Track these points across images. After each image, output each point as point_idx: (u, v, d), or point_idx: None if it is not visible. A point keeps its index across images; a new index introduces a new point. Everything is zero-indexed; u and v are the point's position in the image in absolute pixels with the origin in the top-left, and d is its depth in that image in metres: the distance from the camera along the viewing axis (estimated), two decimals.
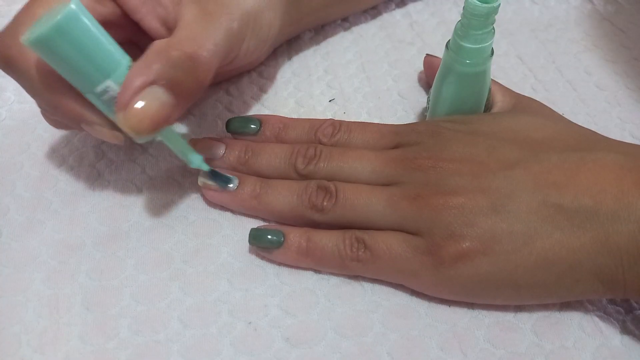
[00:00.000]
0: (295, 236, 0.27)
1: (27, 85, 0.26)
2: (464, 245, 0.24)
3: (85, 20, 0.23)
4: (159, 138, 0.27)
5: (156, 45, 0.25)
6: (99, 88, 0.24)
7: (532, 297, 0.25)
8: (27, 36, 0.23)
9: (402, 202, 0.26)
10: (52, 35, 0.22)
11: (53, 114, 0.28)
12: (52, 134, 0.34)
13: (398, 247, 0.26)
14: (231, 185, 0.29)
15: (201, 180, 0.30)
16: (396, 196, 0.26)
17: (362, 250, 0.26)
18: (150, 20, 0.28)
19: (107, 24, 0.25)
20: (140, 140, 0.25)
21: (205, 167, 0.29)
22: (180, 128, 0.35)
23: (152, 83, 0.24)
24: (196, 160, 0.28)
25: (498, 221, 0.25)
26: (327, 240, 0.27)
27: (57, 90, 0.25)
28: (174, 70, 0.24)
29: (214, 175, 0.29)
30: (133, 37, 0.29)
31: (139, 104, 0.23)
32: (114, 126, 0.26)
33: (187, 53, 0.25)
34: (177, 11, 0.27)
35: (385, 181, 0.28)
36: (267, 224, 0.29)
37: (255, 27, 0.30)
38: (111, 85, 0.24)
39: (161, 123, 0.24)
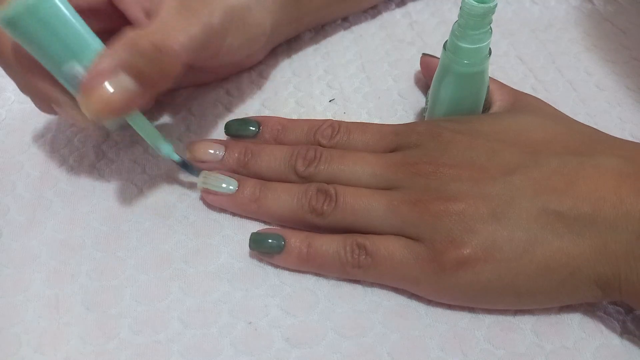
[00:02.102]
0: (296, 241, 0.27)
1: (2, 62, 0.28)
2: (464, 252, 0.24)
3: (57, 2, 0.24)
4: (128, 122, 0.28)
5: (127, 33, 0.25)
6: (66, 69, 0.25)
7: (533, 303, 0.25)
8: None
9: (403, 207, 0.26)
10: (22, 16, 0.23)
11: (30, 95, 0.29)
12: (52, 134, 0.34)
13: (399, 254, 0.26)
14: (201, 178, 0.30)
15: (201, 183, 0.30)
16: (397, 201, 0.26)
17: (363, 256, 0.26)
18: (133, 10, 0.28)
19: (94, 12, 0.26)
20: (106, 124, 0.26)
21: (175, 157, 0.29)
22: (180, 128, 0.35)
23: (116, 69, 0.24)
24: (165, 149, 0.29)
25: (499, 228, 0.25)
26: (328, 246, 0.27)
27: (29, 69, 0.26)
28: (139, 60, 0.25)
29: (184, 165, 0.30)
30: (120, 26, 0.29)
31: (102, 89, 0.24)
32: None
33: (155, 44, 0.25)
34: (159, 2, 0.27)
35: (385, 185, 0.28)
36: (268, 227, 0.29)
37: (241, 25, 0.30)
38: (78, 68, 0.25)
39: (122, 109, 0.25)
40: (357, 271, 0.26)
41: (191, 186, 0.31)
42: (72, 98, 0.27)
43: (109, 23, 0.29)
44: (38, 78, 0.27)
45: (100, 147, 0.34)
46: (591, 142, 0.27)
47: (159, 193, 0.31)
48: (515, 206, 0.25)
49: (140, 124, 0.28)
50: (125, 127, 0.35)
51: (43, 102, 0.28)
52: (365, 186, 0.28)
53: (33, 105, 0.36)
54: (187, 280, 0.27)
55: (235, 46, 0.31)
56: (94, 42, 0.25)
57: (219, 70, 0.37)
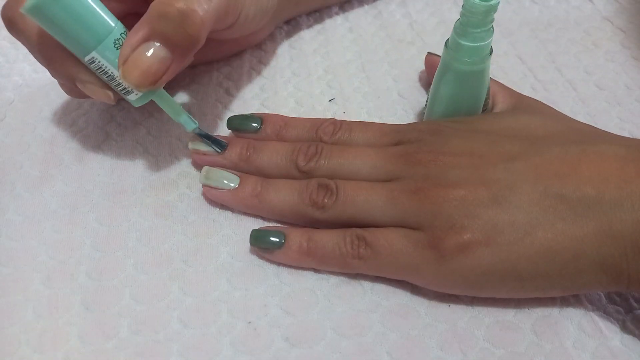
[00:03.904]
0: (296, 236, 0.27)
1: (28, 45, 0.29)
2: (465, 237, 0.24)
3: None
4: (155, 102, 0.29)
5: (153, 3, 0.26)
6: (87, 57, 0.27)
7: (536, 288, 0.25)
8: (24, 5, 0.25)
9: (403, 196, 0.26)
10: (45, 3, 0.25)
11: (55, 75, 0.30)
12: (52, 134, 0.34)
13: (399, 242, 0.26)
14: (221, 151, 0.31)
15: (203, 179, 0.30)
16: (397, 191, 0.26)
17: (363, 247, 0.26)
18: None
19: None
20: (138, 100, 0.28)
21: (199, 131, 0.31)
22: (180, 127, 0.35)
23: (147, 39, 0.26)
24: (190, 125, 0.30)
25: (499, 212, 0.24)
26: (328, 239, 0.27)
27: (54, 53, 0.28)
28: (165, 25, 0.26)
29: (209, 138, 0.31)
30: (142, 7, 0.30)
31: (138, 59, 0.26)
32: (104, 85, 0.28)
33: (180, 9, 0.26)
34: None
35: (385, 177, 0.28)
36: (268, 225, 0.29)
37: None
38: (96, 55, 0.27)
39: (158, 75, 0.27)
40: (357, 262, 0.26)
41: (190, 186, 0.31)
42: (96, 78, 0.28)
43: (131, 5, 0.30)
44: (63, 61, 0.28)
45: (100, 147, 0.34)
46: (592, 135, 0.27)
47: (158, 193, 0.31)
48: (517, 190, 0.25)
49: (166, 101, 0.29)
50: (124, 127, 0.35)
51: (68, 82, 0.30)
52: (366, 179, 0.28)
53: (33, 105, 0.36)
54: (187, 280, 0.27)
55: (250, 16, 0.32)
56: (116, 26, 0.27)
57: (227, 44, 0.37)
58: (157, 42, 0.26)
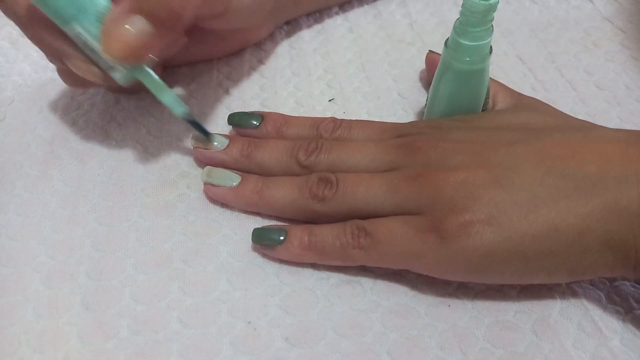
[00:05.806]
0: (298, 232, 0.27)
1: (17, 21, 0.29)
2: (466, 217, 0.24)
3: None
4: (144, 84, 0.29)
5: None
6: (73, 27, 0.27)
7: (541, 269, 0.24)
8: None
9: (403, 183, 0.26)
10: None
11: (46, 53, 0.30)
12: (52, 134, 0.34)
13: (399, 229, 0.25)
14: (216, 144, 0.31)
15: (205, 177, 0.30)
16: (396, 179, 0.26)
17: (363, 237, 0.26)
18: None
19: None
20: (119, 78, 0.28)
21: (190, 117, 0.30)
22: (180, 127, 0.35)
23: (130, 12, 0.26)
24: (179, 109, 0.30)
25: (501, 193, 0.24)
26: (328, 232, 0.27)
27: (42, 27, 0.28)
28: (148, 0, 0.26)
29: (195, 125, 0.31)
30: None
31: (121, 31, 0.26)
32: (90, 62, 0.29)
33: None
34: None
35: (385, 168, 0.28)
36: (269, 224, 0.29)
37: None
38: (78, 27, 0.27)
39: (140, 49, 0.27)
40: (357, 253, 0.26)
41: (190, 186, 0.31)
42: (82, 54, 0.28)
43: None
44: (49, 35, 0.28)
45: (100, 147, 0.34)
46: (592, 126, 0.28)
47: (158, 193, 0.31)
48: (518, 172, 0.25)
49: (152, 81, 0.29)
50: (124, 127, 0.35)
51: (61, 63, 0.30)
52: (366, 171, 0.28)
53: (32, 105, 0.36)
54: (186, 280, 0.27)
55: (245, 2, 0.32)
56: (103, 2, 0.27)
57: (224, 40, 0.37)
58: (140, 15, 0.26)
